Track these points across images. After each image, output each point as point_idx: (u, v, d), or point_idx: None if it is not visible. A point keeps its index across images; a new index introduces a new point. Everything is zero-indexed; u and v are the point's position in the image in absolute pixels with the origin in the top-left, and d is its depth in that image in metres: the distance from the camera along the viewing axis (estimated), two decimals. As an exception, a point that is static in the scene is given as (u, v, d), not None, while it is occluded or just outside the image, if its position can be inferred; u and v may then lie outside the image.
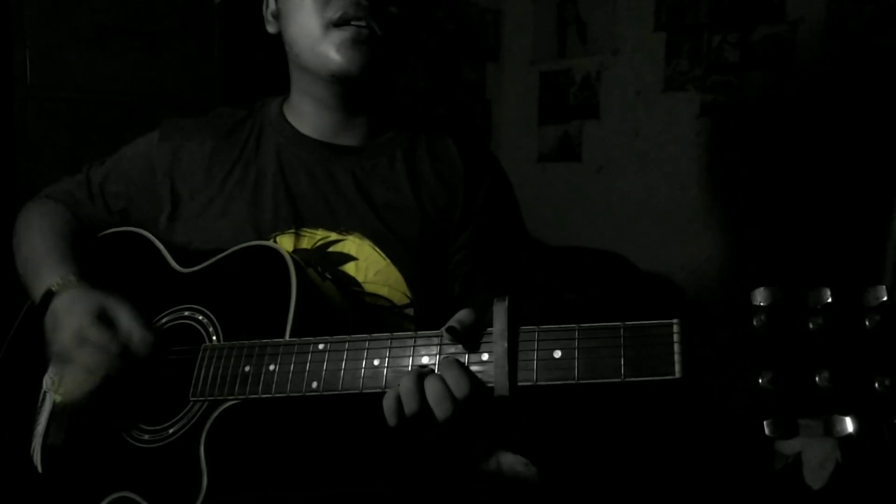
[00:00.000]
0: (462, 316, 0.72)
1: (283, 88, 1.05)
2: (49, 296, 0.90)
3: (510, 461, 1.07)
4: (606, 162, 2.99)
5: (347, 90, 0.94)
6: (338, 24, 0.87)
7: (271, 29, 0.99)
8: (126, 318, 0.85)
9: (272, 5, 0.99)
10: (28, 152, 1.67)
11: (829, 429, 0.57)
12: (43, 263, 0.96)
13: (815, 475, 1.62)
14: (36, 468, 0.88)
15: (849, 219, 2.34)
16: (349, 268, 0.93)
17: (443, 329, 0.72)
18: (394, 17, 0.89)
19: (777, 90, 2.52)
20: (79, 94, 1.73)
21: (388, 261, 0.93)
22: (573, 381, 0.66)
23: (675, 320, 0.64)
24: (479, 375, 0.70)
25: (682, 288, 2.73)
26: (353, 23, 0.87)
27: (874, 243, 2.07)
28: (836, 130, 2.39)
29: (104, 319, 0.84)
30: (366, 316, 0.92)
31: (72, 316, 0.85)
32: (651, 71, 2.81)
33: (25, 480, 0.89)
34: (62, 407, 0.87)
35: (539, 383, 0.67)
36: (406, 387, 0.71)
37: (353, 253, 0.93)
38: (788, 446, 1.68)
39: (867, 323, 0.57)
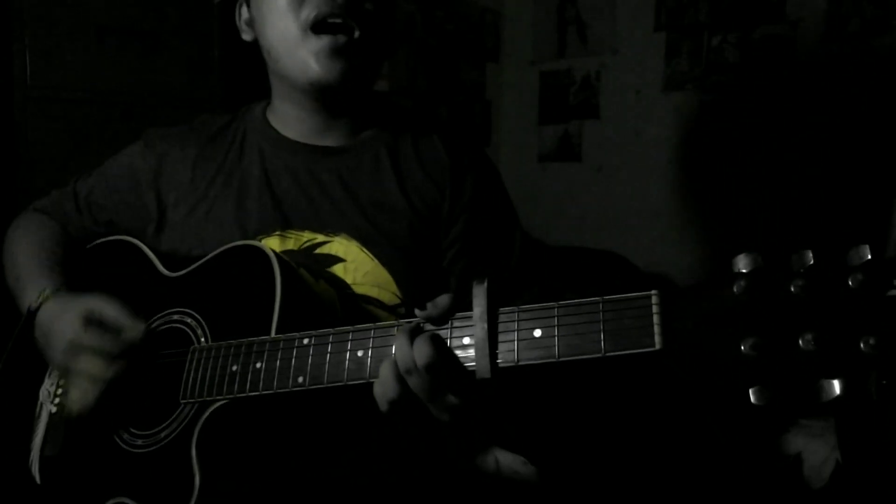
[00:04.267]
0: (439, 299, 0.71)
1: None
2: (31, 314, 0.91)
3: (508, 460, 1.06)
4: (606, 162, 2.99)
5: (327, 96, 0.93)
6: (315, 28, 0.86)
7: (246, 37, 0.99)
8: (113, 314, 0.85)
9: (245, 14, 0.98)
10: (28, 152, 1.67)
11: (817, 393, 0.55)
12: (26, 280, 0.97)
13: (815, 475, 1.62)
14: (34, 479, 0.89)
15: (850, 219, 2.34)
16: (337, 269, 0.92)
17: (416, 309, 0.71)
18: (370, 14, 0.88)
19: (777, 90, 2.52)
20: (79, 94, 1.72)
21: (377, 261, 0.93)
22: (554, 360, 0.65)
23: (653, 291, 0.63)
24: (462, 360, 0.69)
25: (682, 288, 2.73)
26: (329, 20, 0.86)
27: (874, 243, 2.07)
28: (835, 130, 2.40)
29: (93, 321, 0.85)
30: (358, 316, 0.91)
31: (60, 326, 0.86)
32: (651, 71, 2.81)
33: (24, 492, 0.89)
34: (67, 417, 0.87)
35: (521, 363, 0.66)
36: (384, 367, 0.71)
37: (340, 254, 0.93)
38: (788, 446, 1.68)
39: (851, 283, 0.55)
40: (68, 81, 1.71)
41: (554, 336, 0.66)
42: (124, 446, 0.85)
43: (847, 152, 2.38)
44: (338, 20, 0.86)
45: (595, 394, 1.70)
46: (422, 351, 0.67)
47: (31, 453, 0.91)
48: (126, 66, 1.79)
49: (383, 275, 0.93)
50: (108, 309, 0.86)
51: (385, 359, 0.71)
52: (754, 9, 2.54)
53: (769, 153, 2.56)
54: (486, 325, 0.67)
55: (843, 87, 2.37)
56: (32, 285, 0.95)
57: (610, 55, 2.94)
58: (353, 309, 0.92)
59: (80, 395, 0.84)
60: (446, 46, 3.03)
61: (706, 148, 2.72)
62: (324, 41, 0.86)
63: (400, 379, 0.69)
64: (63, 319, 0.86)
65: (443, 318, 0.71)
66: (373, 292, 0.92)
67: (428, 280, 0.96)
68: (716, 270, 0.61)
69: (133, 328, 0.84)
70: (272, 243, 0.93)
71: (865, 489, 1.54)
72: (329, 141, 0.99)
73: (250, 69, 1.04)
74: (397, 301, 0.93)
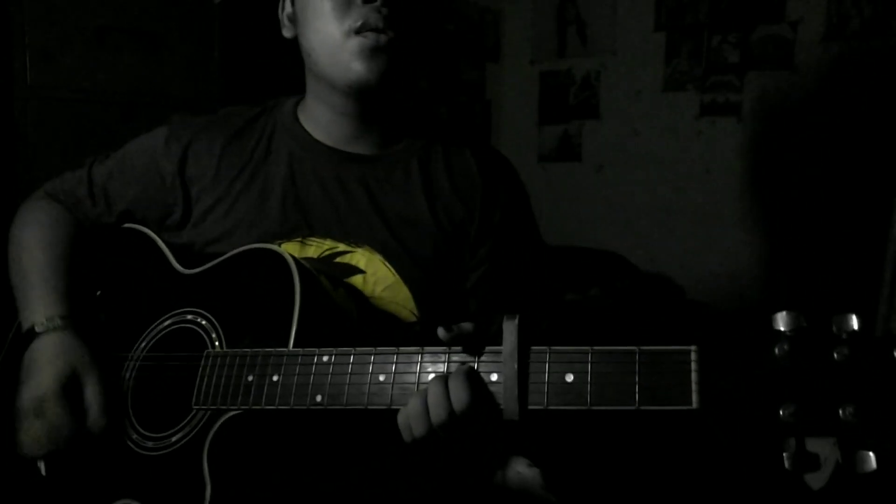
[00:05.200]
0: (462, 325, 0.69)
1: (283, 89, 1.03)
2: (32, 334, 0.88)
3: (513, 462, 1.06)
4: (606, 162, 2.99)
5: (364, 99, 0.91)
6: (358, 31, 0.85)
7: (287, 33, 0.96)
8: (91, 393, 0.85)
9: (288, 8, 0.95)
10: (28, 152, 1.66)
11: (853, 465, 0.54)
12: (33, 289, 0.93)
13: (815, 475, 1.61)
14: (40, 471, 0.88)
15: (849, 218, 2.34)
16: (356, 280, 0.90)
17: (439, 328, 0.70)
18: (411, 24, 0.87)
19: (777, 90, 2.52)
20: (79, 94, 1.72)
21: (398, 277, 0.90)
22: (585, 408, 0.63)
23: (692, 347, 0.60)
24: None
25: (682, 287, 2.74)
26: (372, 30, 0.85)
27: (874, 243, 2.07)
28: (835, 130, 2.40)
29: (70, 388, 0.84)
30: (377, 328, 0.90)
31: (41, 376, 0.84)
32: (651, 71, 2.81)
33: (30, 483, 0.88)
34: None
35: (550, 408, 0.64)
36: (414, 402, 0.70)
37: (361, 265, 0.90)
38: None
39: None
40: (68, 81, 1.70)
41: (586, 383, 0.63)
42: (133, 447, 0.84)
43: (847, 152, 2.38)
44: (380, 24, 0.85)
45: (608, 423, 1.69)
46: (459, 394, 0.66)
47: None
48: (126, 66, 1.79)
49: (402, 291, 0.90)
50: (90, 384, 0.85)
51: (414, 393, 0.70)
52: (754, 9, 2.54)
53: (768, 153, 2.56)
54: (516, 365, 0.65)
55: (843, 88, 2.37)
56: (38, 302, 0.91)
57: (610, 55, 2.94)
58: (372, 321, 0.90)
59: (24, 446, 0.83)
60: (446, 46, 3.03)
61: (706, 148, 2.72)
62: (367, 39, 0.84)
63: (429, 418, 0.68)
64: (45, 371, 0.84)
65: (465, 343, 0.69)
66: (390, 307, 0.90)
67: (447, 300, 0.94)
68: (756, 324, 0.59)
69: (96, 423, 0.84)
70: (292, 249, 0.90)
71: (865, 489, 1.54)
72: (360, 148, 0.96)
73: (250, 69, 1.04)
74: (414, 319, 0.91)
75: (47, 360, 0.85)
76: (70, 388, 0.84)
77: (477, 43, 3.17)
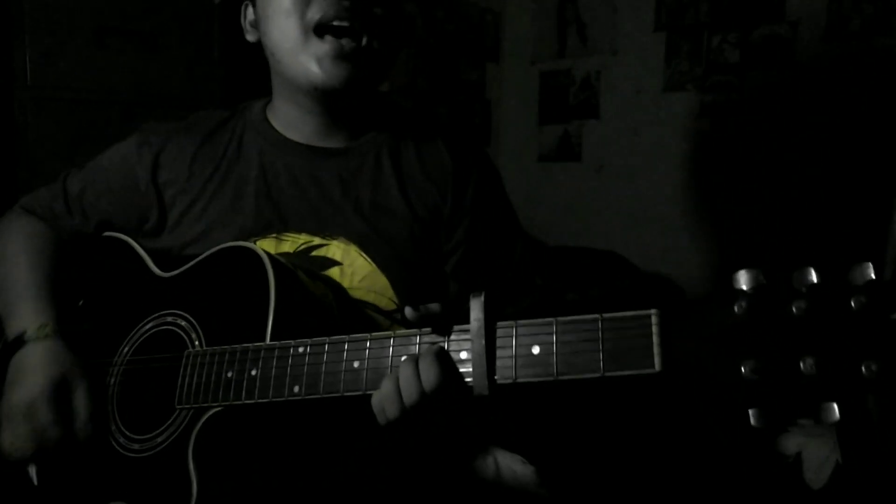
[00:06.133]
0: (430, 305, 0.71)
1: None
2: (20, 342, 0.88)
3: (507, 460, 1.06)
4: (606, 162, 2.99)
5: (329, 101, 0.92)
6: (317, 30, 0.84)
7: (250, 38, 0.97)
8: (79, 400, 0.85)
9: (250, 14, 0.96)
10: (28, 152, 1.67)
11: (817, 416, 0.55)
12: (20, 299, 0.93)
13: (815, 475, 1.62)
14: (31, 481, 0.88)
15: (849, 219, 2.34)
16: (334, 273, 0.91)
17: (406, 307, 0.71)
18: (378, 18, 0.86)
19: (777, 90, 2.52)
20: (79, 94, 1.72)
21: (374, 266, 0.91)
22: (552, 378, 0.65)
23: (653, 311, 0.62)
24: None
25: (683, 288, 2.73)
26: (335, 24, 0.84)
27: (874, 244, 2.07)
28: (835, 130, 2.40)
29: (59, 393, 0.84)
30: (356, 318, 0.91)
31: (32, 380, 0.84)
32: (651, 71, 2.81)
33: (21, 493, 0.89)
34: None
35: (518, 381, 0.66)
36: (386, 385, 0.71)
37: (337, 258, 0.91)
38: (788, 446, 1.68)
39: (853, 305, 0.54)
40: (68, 81, 1.71)
41: (552, 353, 0.65)
42: (121, 450, 0.85)
43: (847, 152, 2.37)
44: (344, 24, 0.84)
45: (594, 393, 1.70)
46: (428, 374, 0.67)
47: None
48: (126, 66, 1.79)
49: (380, 280, 0.91)
50: (79, 392, 0.86)
51: (386, 376, 0.71)
52: (754, 9, 2.54)
53: (769, 153, 2.56)
54: (483, 341, 0.66)
55: (843, 87, 2.37)
56: (26, 310, 0.91)
57: (610, 55, 2.94)
58: (351, 312, 0.91)
59: (10, 447, 0.84)
60: (446, 46, 3.03)
61: (706, 148, 2.72)
62: (327, 45, 0.84)
63: (401, 399, 0.69)
64: (35, 376, 0.85)
65: (434, 323, 0.70)
66: (369, 297, 0.91)
67: (426, 285, 0.95)
68: (717, 285, 0.60)
69: (82, 429, 0.85)
70: (267, 245, 0.91)
71: (865, 489, 1.54)
72: (330, 143, 0.97)
73: (250, 69, 1.04)
74: (394, 307, 0.92)
75: (39, 366, 0.85)
76: (59, 394, 0.85)
77: (477, 43, 3.17)
